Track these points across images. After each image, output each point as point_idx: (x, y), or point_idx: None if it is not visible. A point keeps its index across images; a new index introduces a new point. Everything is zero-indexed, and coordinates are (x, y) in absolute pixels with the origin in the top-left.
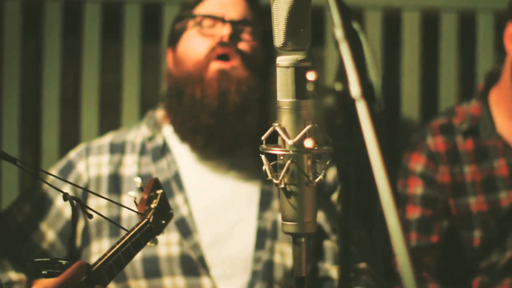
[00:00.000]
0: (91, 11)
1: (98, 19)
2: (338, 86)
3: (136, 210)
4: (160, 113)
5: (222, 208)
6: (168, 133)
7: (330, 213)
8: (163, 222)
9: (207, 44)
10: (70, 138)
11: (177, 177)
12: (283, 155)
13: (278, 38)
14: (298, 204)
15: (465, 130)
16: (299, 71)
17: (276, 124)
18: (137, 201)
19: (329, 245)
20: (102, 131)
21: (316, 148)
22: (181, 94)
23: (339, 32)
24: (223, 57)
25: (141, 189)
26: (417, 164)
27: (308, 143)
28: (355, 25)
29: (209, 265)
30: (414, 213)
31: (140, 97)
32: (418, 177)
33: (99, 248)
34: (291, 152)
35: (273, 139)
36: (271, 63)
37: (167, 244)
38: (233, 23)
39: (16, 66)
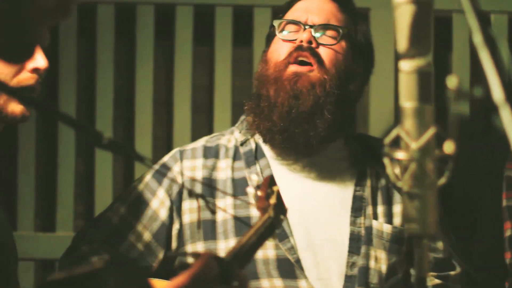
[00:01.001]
0: (183, 14)
1: (190, 21)
2: (478, 91)
3: (256, 205)
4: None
5: (315, 212)
6: None
7: None
8: (282, 217)
9: (287, 49)
10: (163, 139)
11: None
12: (406, 159)
13: (401, 44)
14: (422, 206)
15: None
16: (422, 76)
17: (399, 128)
18: (255, 198)
19: None
20: (194, 133)
21: (437, 152)
22: (259, 96)
23: (477, 38)
24: (301, 62)
25: (257, 187)
26: None
27: (448, 146)
28: (492, 31)
29: (305, 268)
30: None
31: (232, 99)
32: None
33: (193, 250)
34: (415, 156)
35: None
36: (360, 66)
37: (263, 247)
38: (314, 27)
39: (109, 69)
